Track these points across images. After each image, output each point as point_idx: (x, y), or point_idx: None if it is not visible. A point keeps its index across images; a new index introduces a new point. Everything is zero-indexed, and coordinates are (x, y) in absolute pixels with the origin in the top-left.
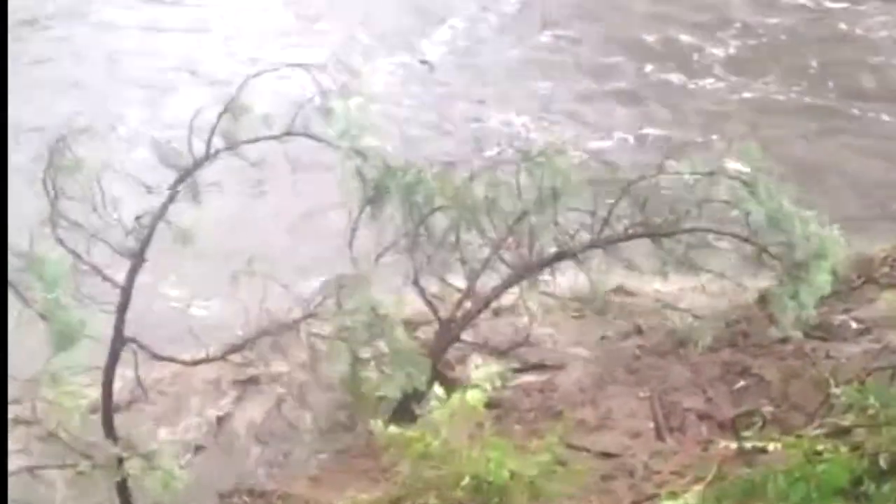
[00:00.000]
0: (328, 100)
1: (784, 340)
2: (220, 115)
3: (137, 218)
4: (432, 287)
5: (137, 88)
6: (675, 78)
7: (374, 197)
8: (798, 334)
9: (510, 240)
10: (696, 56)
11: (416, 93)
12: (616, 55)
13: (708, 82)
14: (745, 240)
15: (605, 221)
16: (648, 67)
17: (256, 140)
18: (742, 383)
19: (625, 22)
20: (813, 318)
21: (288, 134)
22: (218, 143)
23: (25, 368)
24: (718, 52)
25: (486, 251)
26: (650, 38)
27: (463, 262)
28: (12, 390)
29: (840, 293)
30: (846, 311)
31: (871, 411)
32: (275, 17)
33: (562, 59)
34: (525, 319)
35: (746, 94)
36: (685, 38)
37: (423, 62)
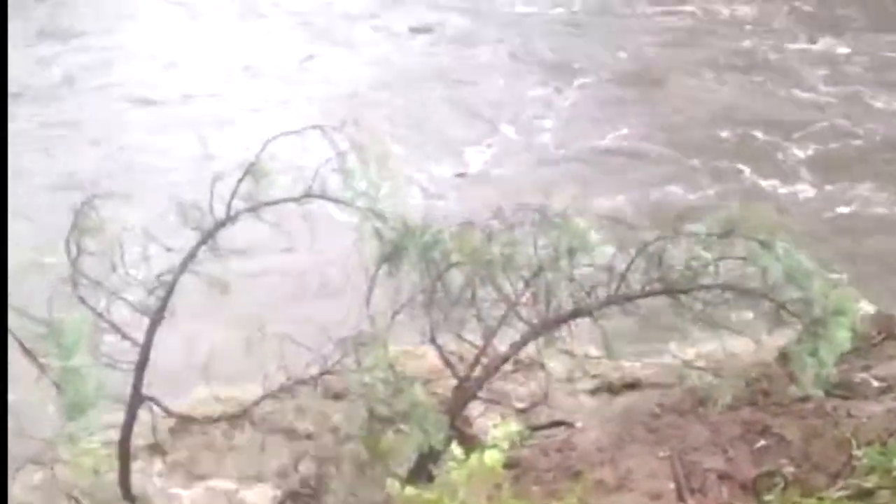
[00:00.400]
0: (346, 161)
1: (804, 399)
2: (240, 179)
3: (158, 276)
4: (449, 344)
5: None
6: (767, 185)
7: (392, 255)
8: (819, 392)
9: (527, 295)
10: (780, 156)
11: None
12: (689, 155)
13: (798, 189)
14: (764, 296)
15: (623, 278)
16: (727, 172)
17: (276, 202)
18: (763, 443)
19: (697, 118)
20: (833, 376)
21: (307, 196)
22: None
23: (44, 428)
24: (800, 153)
25: (503, 307)
26: (727, 138)
27: (479, 318)
28: (30, 450)
29: (860, 350)
30: (866, 368)
31: (894, 473)
32: (295, 113)
33: (633, 165)
34: (543, 376)
35: (842, 209)
36: (764, 138)
37: (460, 175)
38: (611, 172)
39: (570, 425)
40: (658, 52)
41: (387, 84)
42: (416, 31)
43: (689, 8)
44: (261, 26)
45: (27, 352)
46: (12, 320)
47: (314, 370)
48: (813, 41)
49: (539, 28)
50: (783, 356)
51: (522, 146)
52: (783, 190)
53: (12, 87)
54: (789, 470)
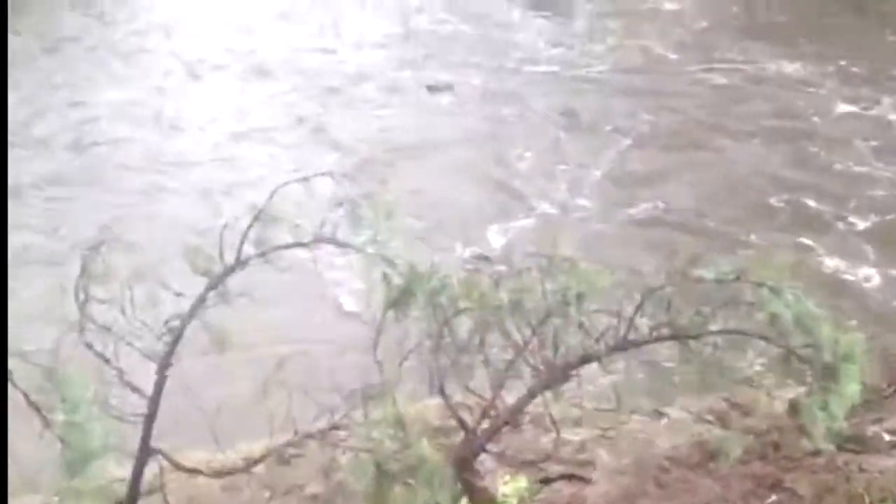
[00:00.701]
0: (356, 207)
1: (816, 453)
2: (250, 225)
3: (166, 321)
4: (457, 396)
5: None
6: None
7: (399, 300)
8: (830, 446)
9: (534, 342)
10: (840, 226)
11: None
12: (737, 225)
13: (861, 274)
14: (772, 341)
15: (631, 322)
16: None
17: (287, 247)
18: (774, 498)
19: (744, 184)
20: (844, 430)
21: (316, 241)
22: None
23: (49, 482)
24: (862, 224)
25: (510, 353)
26: (776, 206)
27: (487, 364)
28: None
29: (871, 403)
30: (877, 421)
31: None
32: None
33: (675, 237)
34: (551, 428)
35: None
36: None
37: (480, 257)
38: (650, 245)
39: (579, 478)
40: (696, 112)
41: (401, 148)
42: (434, 90)
43: (730, 66)
44: (269, 87)
45: (31, 404)
46: (17, 370)
47: (322, 423)
48: (864, 106)
49: (565, 87)
50: (793, 408)
51: (554, 219)
52: (836, 261)
53: (13, 138)
54: None
